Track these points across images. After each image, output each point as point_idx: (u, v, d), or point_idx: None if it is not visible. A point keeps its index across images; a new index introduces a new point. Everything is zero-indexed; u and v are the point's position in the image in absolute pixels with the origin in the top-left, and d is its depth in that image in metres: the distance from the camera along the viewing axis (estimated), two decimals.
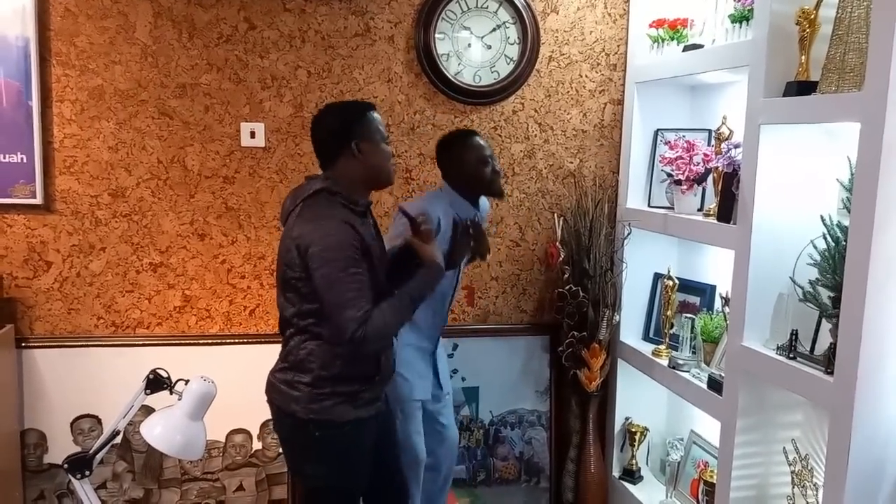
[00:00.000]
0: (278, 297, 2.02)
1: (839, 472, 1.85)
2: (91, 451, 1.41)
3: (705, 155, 2.59)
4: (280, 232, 2.77)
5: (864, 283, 1.75)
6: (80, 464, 1.38)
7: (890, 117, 1.69)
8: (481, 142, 2.48)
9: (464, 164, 2.44)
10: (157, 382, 1.52)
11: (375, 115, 2.01)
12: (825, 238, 1.97)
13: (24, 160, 2.61)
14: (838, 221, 1.96)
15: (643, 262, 3.00)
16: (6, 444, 2.64)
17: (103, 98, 2.68)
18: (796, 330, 2.06)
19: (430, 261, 2.00)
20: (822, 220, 1.97)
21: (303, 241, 1.87)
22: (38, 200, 2.65)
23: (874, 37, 1.74)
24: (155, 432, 1.46)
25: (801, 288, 2.04)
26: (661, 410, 3.09)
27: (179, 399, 1.49)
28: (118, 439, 2.76)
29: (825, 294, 2.00)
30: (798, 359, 2.04)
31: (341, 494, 2.05)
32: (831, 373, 1.89)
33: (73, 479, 1.37)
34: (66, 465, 1.36)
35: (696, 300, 2.83)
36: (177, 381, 1.52)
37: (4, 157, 2.60)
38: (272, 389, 2.04)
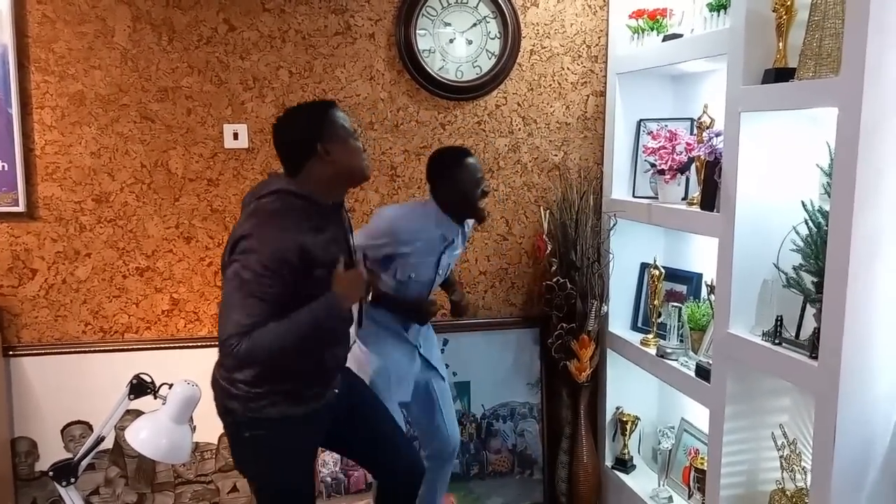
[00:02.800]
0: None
1: (826, 455, 1.86)
2: (76, 458, 1.41)
3: (688, 144, 2.59)
4: None
5: (846, 267, 1.76)
6: (65, 471, 1.38)
7: (866, 102, 1.71)
8: (475, 163, 2.43)
9: (457, 184, 2.39)
10: (140, 387, 1.51)
11: (338, 112, 1.94)
12: (807, 223, 1.99)
13: (6, 168, 2.60)
14: (819, 207, 1.98)
15: (630, 252, 3.01)
16: None
17: (84, 103, 2.67)
18: (781, 316, 2.07)
19: (337, 287, 1.86)
20: (804, 205, 1.98)
21: (239, 236, 1.79)
22: (21, 208, 2.64)
23: (849, 21, 1.75)
24: (140, 437, 1.46)
25: (785, 274, 2.06)
26: (652, 399, 3.10)
27: (164, 403, 1.48)
28: (109, 445, 2.79)
29: (808, 279, 2.01)
30: (783, 344, 2.06)
31: (285, 496, 2.01)
32: (816, 357, 1.90)
33: (58, 487, 1.37)
34: (51, 473, 1.36)
35: (682, 289, 2.84)
36: (160, 386, 1.52)
37: None
38: (214, 386, 1.97)
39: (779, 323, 2.07)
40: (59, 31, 2.61)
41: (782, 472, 2.19)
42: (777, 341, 2.07)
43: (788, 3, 2.02)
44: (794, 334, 2.07)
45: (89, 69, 2.65)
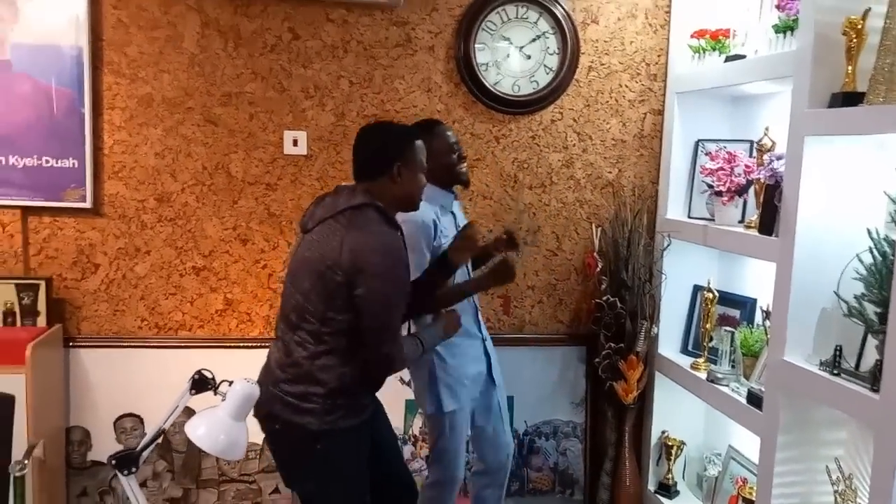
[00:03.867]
0: (290, 291, 1.97)
1: (885, 492, 1.80)
2: (138, 449, 1.46)
3: (746, 166, 2.55)
4: None
5: None
6: (126, 461, 1.42)
7: None
8: (448, 130, 2.43)
9: (433, 153, 2.32)
10: (201, 383, 1.55)
11: (420, 143, 2.04)
12: (872, 252, 1.93)
13: (76, 165, 2.70)
14: (885, 235, 1.92)
15: (682, 273, 2.96)
16: (53, 441, 2.71)
17: (151, 105, 2.76)
18: (840, 346, 2.01)
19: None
20: (869, 233, 1.93)
21: (362, 252, 1.85)
22: (88, 204, 2.73)
23: None
24: (199, 432, 1.49)
25: (846, 303, 2.00)
26: (699, 424, 3.04)
27: (223, 400, 1.52)
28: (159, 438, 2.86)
29: (871, 309, 1.95)
30: (842, 375, 1.99)
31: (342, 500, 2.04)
32: (877, 390, 1.84)
33: (119, 476, 1.41)
34: (113, 462, 1.40)
35: (735, 313, 2.79)
36: (220, 383, 1.56)
37: (57, 163, 2.69)
38: (274, 402, 1.94)
39: (838, 353, 2.02)
40: (132, 35, 2.71)
41: None
42: (836, 371, 2.01)
43: (859, 26, 1.98)
44: (853, 365, 2.01)
45: (158, 73, 2.75)
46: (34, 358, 2.45)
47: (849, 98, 1.99)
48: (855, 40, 2.00)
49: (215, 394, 1.51)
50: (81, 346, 2.81)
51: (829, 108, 2.05)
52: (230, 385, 1.49)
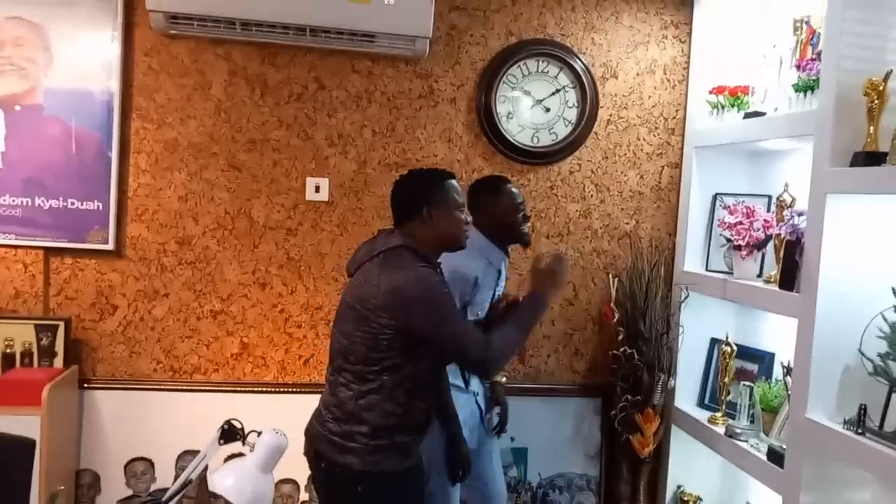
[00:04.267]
0: (337, 334, 2.02)
1: None
2: (164, 499, 1.44)
3: (765, 221, 2.57)
4: (336, 282, 2.83)
5: None
6: None
7: None
8: (514, 189, 2.48)
9: (498, 210, 2.42)
10: (230, 433, 1.54)
11: (453, 182, 2.08)
12: None
13: (101, 208, 2.73)
14: None
15: (700, 326, 2.96)
16: (62, 482, 2.68)
17: (177, 150, 2.80)
18: (865, 404, 2.00)
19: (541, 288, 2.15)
20: (893, 291, 1.93)
21: (399, 289, 1.90)
22: (110, 246, 2.75)
23: None
24: (225, 483, 1.47)
25: (871, 361, 2.00)
26: (715, 480, 3.00)
27: (251, 451, 1.51)
28: (168, 483, 2.83)
29: (895, 367, 1.95)
30: (867, 434, 1.98)
31: None
32: None
33: None
34: None
35: (753, 367, 2.77)
36: (249, 433, 1.55)
37: (83, 205, 2.72)
38: (320, 441, 1.99)
39: (863, 412, 2.00)
40: (161, 81, 2.77)
41: None
42: (860, 431, 2.00)
43: (881, 88, 2.02)
44: (877, 425, 1.99)
45: (185, 118, 2.79)
46: (51, 400, 2.45)
47: (871, 157, 2.02)
48: (876, 101, 2.03)
49: (243, 444, 1.50)
50: (96, 388, 2.80)
51: (850, 166, 2.08)
52: (259, 435, 1.48)
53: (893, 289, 1.94)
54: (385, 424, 1.96)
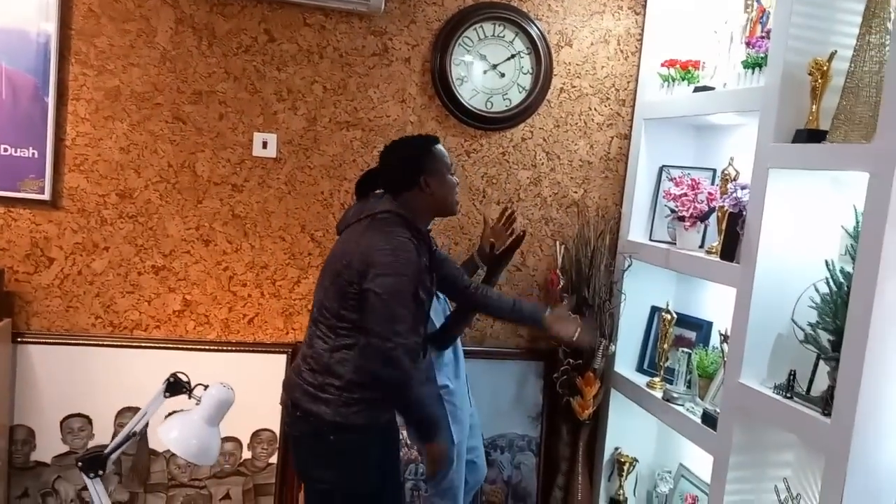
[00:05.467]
0: (318, 287, 2.10)
1: None
2: (106, 451, 1.41)
3: (709, 194, 2.64)
4: (283, 241, 2.78)
5: (866, 329, 1.80)
6: (94, 463, 1.38)
7: None
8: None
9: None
10: (176, 386, 1.52)
11: (440, 147, 2.12)
12: (827, 282, 2.03)
13: (36, 155, 2.61)
14: (841, 267, 2.01)
15: (641, 294, 3.04)
16: None
17: (119, 99, 2.69)
18: (794, 370, 2.10)
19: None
20: (826, 264, 2.02)
21: (372, 250, 1.94)
22: (46, 196, 2.65)
23: (888, 92, 1.80)
24: (171, 435, 1.46)
25: (802, 330, 2.09)
26: (651, 442, 3.11)
27: (198, 404, 1.49)
28: (106, 441, 2.78)
29: (825, 337, 2.04)
30: (795, 399, 2.08)
31: (346, 497, 2.08)
32: (828, 414, 1.93)
33: (85, 478, 1.36)
34: (79, 464, 1.36)
35: (692, 335, 2.87)
36: (195, 386, 1.53)
37: (16, 152, 2.60)
38: (296, 390, 2.06)
39: (792, 377, 2.10)
40: (102, 26, 2.65)
41: None
42: (789, 395, 2.10)
43: (825, 68, 2.08)
44: (805, 390, 2.09)
45: (128, 66, 2.68)
46: None
47: (812, 135, 2.09)
48: (820, 81, 2.10)
49: (189, 397, 1.48)
50: (30, 343, 2.71)
51: (792, 143, 2.15)
52: (205, 389, 1.46)
53: (826, 262, 2.02)
54: (357, 380, 2.01)
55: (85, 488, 2.76)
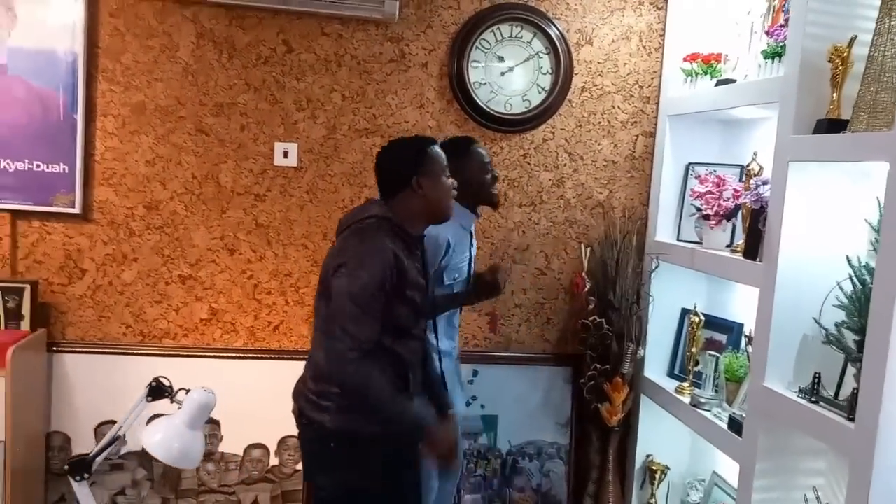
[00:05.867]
0: (318, 298, 2.09)
1: None
2: (91, 454, 1.45)
3: (735, 191, 2.55)
4: (306, 249, 2.84)
5: (889, 327, 1.70)
6: (79, 466, 1.42)
7: None
8: (481, 149, 2.51)
9: (467, 171, 2.40)
10: (158, 390, 1.56)
11: (437, 148, 2.08)
12: (851, 280, 1.92)
13: (66, 170, 2.71)
14: (866, 263, 1.91)
15: (671, 296, 2.95)
16: (32, 445, 2.70)
17: (144, 114, 2.77)
18: (819, 373, 2.00)
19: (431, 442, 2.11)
20: (849, 260, 1.92)
21: (342, 256, 1.96)
22: (77, 210, 2.74)
23: None
24: (154, 439, 1.50)
25: (826, 330, 1.99)
26: (684, 449, 3.01)
27: (179, 408, 1.52)
28: (138, 447, 2.84)
29: (850, 337, 1.94)
30: (821, 403, 1.98)
31: (351, 500, 2.07)
32: (853, 419, 1.82)
33: (71, 481, 1.40)
34: (66, 467, 1.40)
35: (722, 338, 2.76)
36: (178, 391, 1.56)
37: (48, 168, 2.71)
38: (301, 398, 2.09)
39: (816, 380, 2.00)
40: (127, 43, 2.73)
41: None
42: (814, 399, 1.99)
43: (845, 54, 1.98)
44: (833, 394, 1.99)
45: (152, 81, 2.76)
46: (15, 361, 2.45)
47: (833, 125, 1.99)
48: (840, 68, 2.00)
49: (171, 402, 1.51)
50: (65, 352, 2.81)
51: (813, 134, 2.05)
52: (187, 393, 1.49)
53: (849, 258, 1.92)
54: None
55: (119, 493, 2.87)
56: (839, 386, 1.99)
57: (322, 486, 2.10)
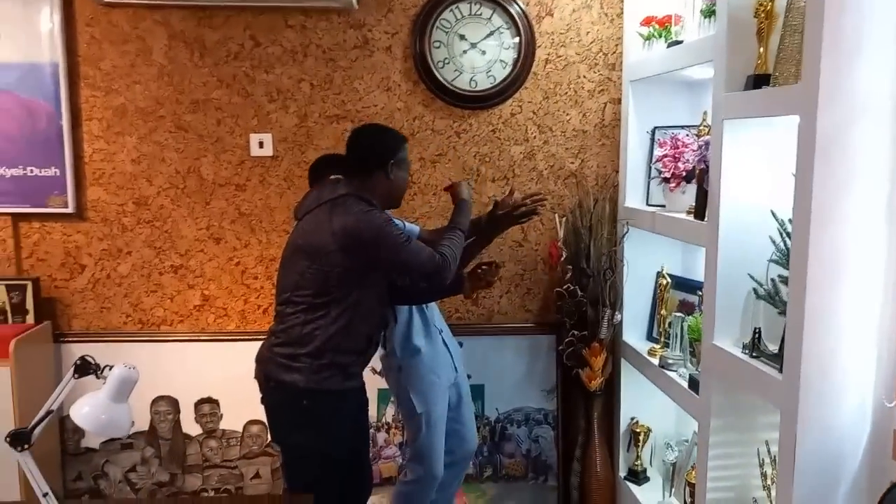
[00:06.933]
0: (286, 271, 2.24)
1: (787, 472, 1.81)
2: (29, 427, 1.63)
3: (694, 152, 2.55)
4: (287, 234, 2.97)
5: (804, 277, 1.71)
6: (19, 437, 1.60)
7: (823, 110, 1.66)
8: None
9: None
10: (84, 368, 1.73)
11: (406, 147, 2.31)
12: (780, 233, 1.93)
13: (58, 173, 2.90)
14: (790, 217, 1.91)
15: (647, 261, 2.96)
16: (49, 429, 2.90)
17: (126, 115, 2.94)
18: (759, 328, 2.02)
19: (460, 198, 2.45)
20: (774, 215, 1.93)
21: (350, 231, 2.10)
22: (71, 210, 2.94)
23: (808, 25, 1.70)
24: (82, 412, 1.66)
25: (760, 284, 2.01)
26: (667, 411, 3.03)
27: (104, 384, 1.68)
28: (145, 427, 3.06)
29: (785, 291, 1.95)
30: (761, 358, 2.00)
31: (323, 459, 2.23)
32: (782, 370, 1.85)
33: (13, 452, 1.56)
34: (7, 439, 1.58)
35: (694, 299, 2.78)
36: (104, 367, 1.71)
37: (42, 172, 2.90)
38: (268, 363, 2.24)
39: (757, 336, 2.02)
40: (105, 50, 2.90)
41: (764, 489, 2.12)
42: (755, 354, 2.02)
43: (769, 7, 1.97)
44: (777, 349, 2.00)
45: (131, 84, 2.92)
46: (18, 352, 2.66)
47: (760, 80, 1.99)
48: (765, 22, 1.99)
49: (97, 377, 1.68)
50: (72, 342, 3.02)
51: (744, 90, 2.05)
52: (110, 370, 1.66)
53: (773, 212, 1.93)
54: (328, 347, 2.16)
55: (131, 470, 3.07)
56: (783, 340, 2.01)
57: (296, 444, 2.24)
